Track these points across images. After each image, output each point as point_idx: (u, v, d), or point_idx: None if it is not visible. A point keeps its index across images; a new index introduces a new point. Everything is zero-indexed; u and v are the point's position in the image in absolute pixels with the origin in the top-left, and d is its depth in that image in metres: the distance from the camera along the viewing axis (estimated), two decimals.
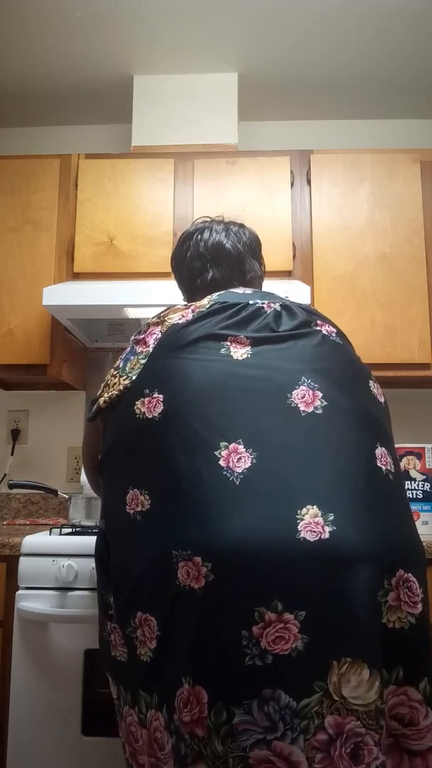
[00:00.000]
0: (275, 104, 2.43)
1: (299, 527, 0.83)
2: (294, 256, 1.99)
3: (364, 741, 0.78)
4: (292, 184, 2.04)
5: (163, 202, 2.02)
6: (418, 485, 1.81)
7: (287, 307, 1.07)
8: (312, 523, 0.83)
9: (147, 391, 0.97)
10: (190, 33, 2.06)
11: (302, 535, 0.82)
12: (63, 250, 2.02)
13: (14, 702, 1.42)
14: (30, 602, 1.45)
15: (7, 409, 2.33)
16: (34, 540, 1.51)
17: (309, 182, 2.04)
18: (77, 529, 1.72)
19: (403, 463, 1.84)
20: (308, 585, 0.81)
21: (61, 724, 1.41)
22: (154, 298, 1.74)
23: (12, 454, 2.29)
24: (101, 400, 1.07)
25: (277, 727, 0.77)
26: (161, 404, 0.94)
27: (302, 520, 0.83)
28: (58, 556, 1.48)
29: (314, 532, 0.82)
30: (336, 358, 1.01)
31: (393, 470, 0.95)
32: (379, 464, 0.92)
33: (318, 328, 1.05)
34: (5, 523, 2.10)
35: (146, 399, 0.97)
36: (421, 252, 1.97)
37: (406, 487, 1.81)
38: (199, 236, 1.22)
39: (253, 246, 1.24)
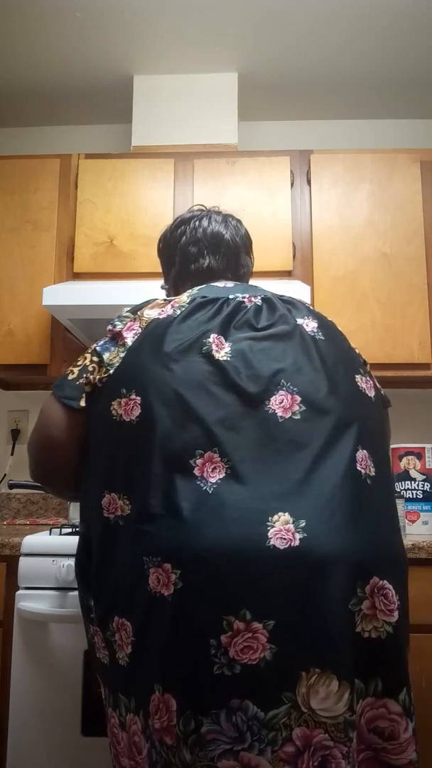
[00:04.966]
0: (275, 104, 2.43)
1: (269, 534, 0.81)
2: (294, 256, 1.99)
3: (332, 754, 0.77)
4: (292, 184, 2.04)
5: (163, 202, 2.02)
6: (418, 485, 1.81)
7: (269, 301, 1.04)
8: (282, 530, 0.81)
9: (124, 390, 0.94)
10: (190, 33, 2.06)
11: (272, 542, 0.80)
12: (63, 250, 2.02)
13: (14, 702, 1.42)
14: (30, 602, 1.45)
15: (7, 409, 2.33)
16: (34, 540, 1.51)
17: (309, 182, 2.04)
18: (77, 529, 1.72)
19: (403, 463, 1.84)
20: (277, 594, 0.79)
21: (61, 724, 1.41)
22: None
23: (12, 454, 2.29)
24: (86, 386, 0.98)
25: (244, 737, 0.76)
26: (138, 407, 0.92)
27: (273, 527, 0.81)
28: (58, 556, 1.48)
29: (284, 539, 0.80)
30: (317, 356, 0.98)
31: (373, 474, 0.92)
32: (358, 468, 0.90)
33: (300, 322, 1.02)
34: (5, 523, 2.10)
35: (123, 400, 0.93)
36: (421, 252, 1.97)
37: (406, 487, 1.81)
38: (197, 223, 1.19)
39: (246, 242, 1.22)
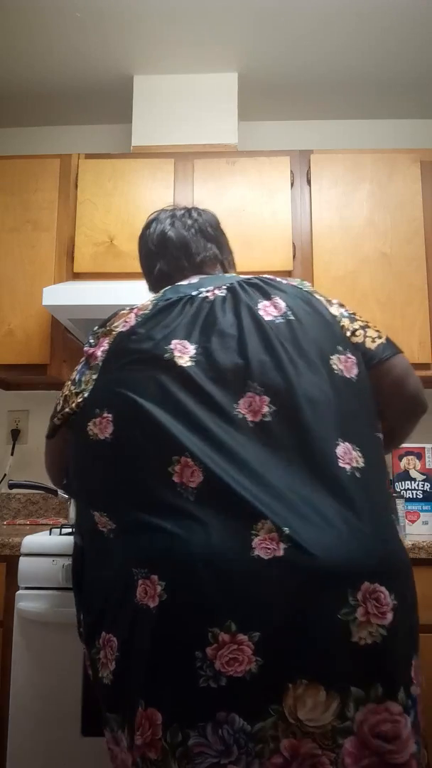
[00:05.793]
0: (275, 104, 2.43)
1: (253, 544, 0.80)
2: (294, 256, 1.99)
3: (320, 761, 0.76)
4: (292, 184, 2.04)
5: (163, 202, 2.01)
6: (418, 485, 1.81)
7: (233, 291, 1.00)
8: (266, 540, 0.80)
9: (97, 410, 0.94)
10: (190, 33, 2.05)
11: (256, 552, 0.79)
12: (63, 250, 2.02)
13: (14, 702, 1.42)
14: (30, 602, 1.45)
15: (7, 409, 2.33)
16: (34, 540, 1.51)
17: (309, 182, 2.04)
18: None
19: (403, 463, 1.84)
20: (262, 605, 0.78)
21: (61, 724, 1.41)
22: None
23: (12, 454, 2.29)
24: (55, 420, 1.04)
25: (231, 751, 0.75)
26: (111, 424, 0.92)
27: (257, 536, 0.80)
28: (58, 556, 1.48)
29: (268, 549, 0.79)
30: (281, 348, 0.93)
31: (362, 465, 0.88)
32: (341, 464, 0.87)
33: (263, 308, 0.97)
34: (5, 523, 2.10)
35: (97, 419, 0.94)
36: (421, 252, 1.97)
37: (406, 487, 1.81)
38: (147, 231, 1.21)
39: (205, 227, 1.19)
